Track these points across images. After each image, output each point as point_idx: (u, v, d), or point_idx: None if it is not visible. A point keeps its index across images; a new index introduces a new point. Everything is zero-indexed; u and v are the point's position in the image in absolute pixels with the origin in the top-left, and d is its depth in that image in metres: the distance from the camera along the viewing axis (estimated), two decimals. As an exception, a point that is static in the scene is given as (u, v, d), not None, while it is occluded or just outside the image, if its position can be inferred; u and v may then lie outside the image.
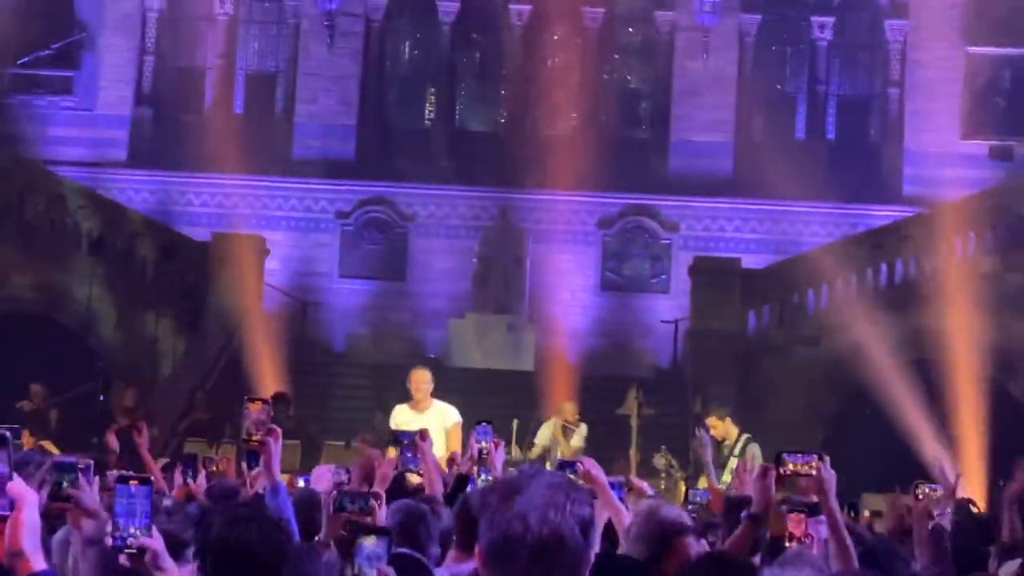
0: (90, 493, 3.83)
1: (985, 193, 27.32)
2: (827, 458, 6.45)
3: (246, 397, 7.29)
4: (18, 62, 31.08)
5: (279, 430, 7.21)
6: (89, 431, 20.94)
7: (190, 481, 9.93)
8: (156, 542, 3.62)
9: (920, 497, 8.32)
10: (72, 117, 30.91)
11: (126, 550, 3.60)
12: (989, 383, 23.91)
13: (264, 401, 7.23)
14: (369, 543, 4.33)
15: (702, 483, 15.79)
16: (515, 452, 19.59)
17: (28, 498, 2.86)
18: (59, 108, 31.02)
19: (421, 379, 16.13)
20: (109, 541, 3.64)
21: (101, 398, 23.35)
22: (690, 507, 9.17)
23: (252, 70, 31.88)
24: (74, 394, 22.66)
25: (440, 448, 14.40)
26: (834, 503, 6.39)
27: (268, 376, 25.72)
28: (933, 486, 8.59)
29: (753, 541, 6.62)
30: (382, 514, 6.90)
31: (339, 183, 30.45)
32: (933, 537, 7.97)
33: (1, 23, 31.06)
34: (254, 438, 7.03)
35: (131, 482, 3.64)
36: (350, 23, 31.13)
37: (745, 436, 18.78)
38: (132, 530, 3.59)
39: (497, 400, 22.71)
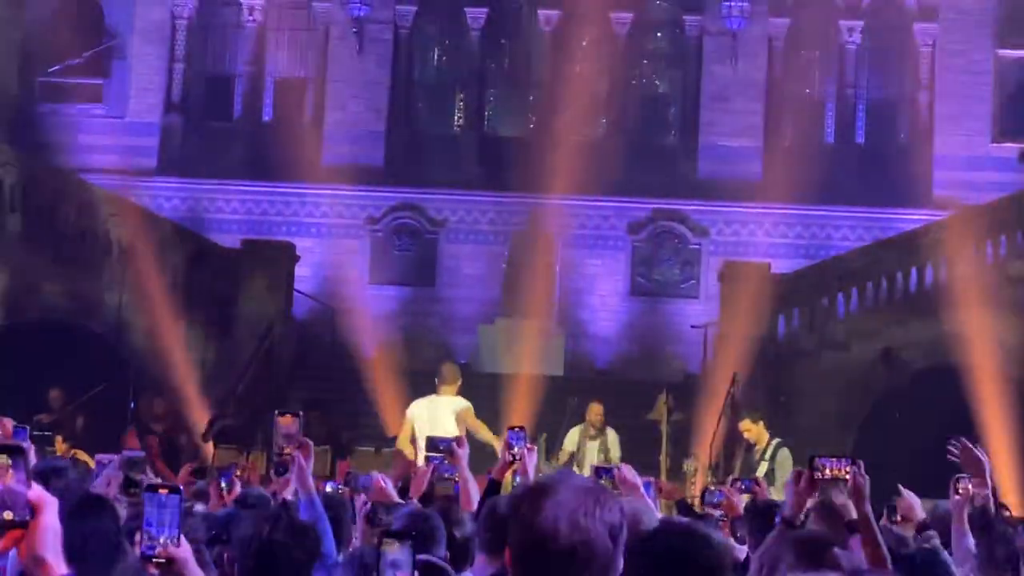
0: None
1: (1015, 196, 27.22)
2: (861, 463, 6.45)
3: (276, 411, 7.29)
4: (48, 71, 31.22)
5: (310, 444, 7.24)
6: (118, 437, 20.98)
7: (225, 494, 9.91)
8: (184, 552, 3.64)
9: (960, 492, 8.29)
10: (102, 125, 31.04)
11: (154, 559, 3.62)
12: (1020, 387, 23.80)
13: (295, 415, 7.23)
14: (392, 549, 4.34)
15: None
16: (542, 467, 19.60)
17: (48, 504, 2.90)
18: (89, 116, 31.15)
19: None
20: (138, 550, 3.66)
21: (132, 405, 23.41)
22: (707, 508, 9.18)
23: (281, 77, 31.97)
24: (90, 396, 22.70)
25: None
26: (868, 508, 6.39)
27: (298, 383, 25.81)
28: (972, 479, 8.54)
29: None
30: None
31: (368, 189, 30.50)
32: (980, 517, 7.91)
33: (31, 32, 31.24)
34: (286, 451, 7.06)
35: (160, 490, 3.65)
36: (379, 30, 31.19)
37: (776, 441, 18.75)
38: (162, 539, 3.61)
39: (526, 406, 22.71)
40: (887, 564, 6.30)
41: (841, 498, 6.60)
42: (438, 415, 17.47)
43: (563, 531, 3.36)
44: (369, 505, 7.06)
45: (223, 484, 10.22)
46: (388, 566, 4.33)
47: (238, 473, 11.20)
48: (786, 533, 6.28)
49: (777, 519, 6.79)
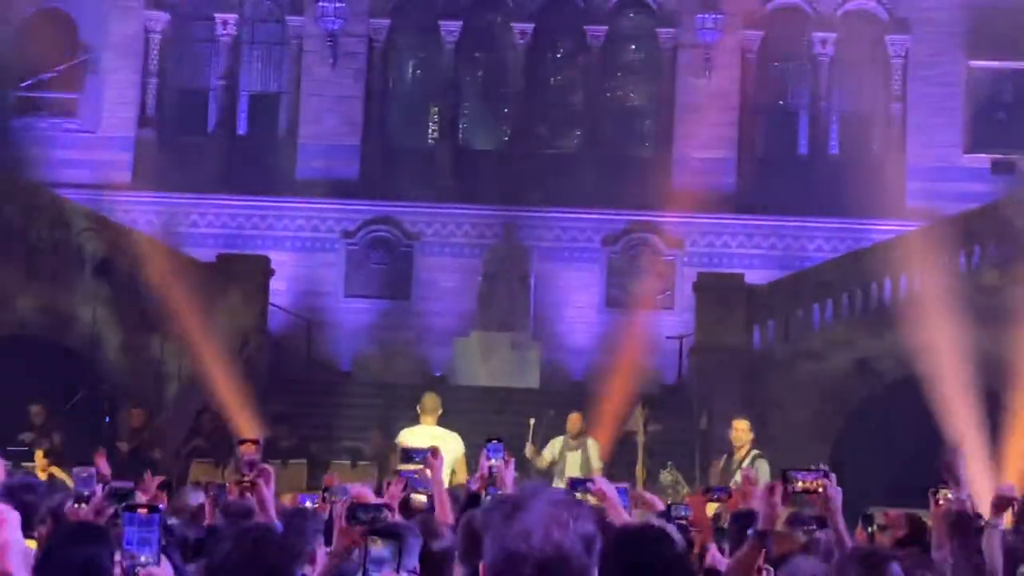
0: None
1: (987, 207, 27.34)
2: (833, 476, 6.47)
3: (237, 439, 7.38)
4: (22, 85, 31.15)
5: (271, 472, 7.29)
6: (94, 453, 20.90)
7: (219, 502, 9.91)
8: (165, 571, 3.64)
9: (940, 502, 8.29)
10: (76, 139, 30.98)
11: None
12: (991, 396, 23.88)
13: (255, 441, 7.34)
14: (376, 546, 4.35)
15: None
16: (530, 450, 19.58)
17: (10, 520, 2.90)
18: (63, 130, 31.08)
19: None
20: (118, 569, 3.65)
21: (107, 419, 23.36)
22: (676, 522, 9.15)
23: (255, 91, 31.96)
24: (70, 405, 22.65)
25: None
26: (840, 520, 6.41)
27: (274, 396, 25.75)
28: (952, 490, 8.53)
29: (759, 557, 6.63)
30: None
31: (344, 203, 30.50)
32: (957, 524, 7.91)
33: (4, 47, 31.16)
34: (246, 479, 7.12)
35: (140, 510, 3.64)
36: (353, 43, 31.20)
37: (754, 452, 18.77)
38: (142, 559, 3.60)
39: (503, 418, 22.73)
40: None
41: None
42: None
43: (537, 544, 3.37)
44: (348, 504, 7.09)
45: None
46: (372, 563, 4.34)
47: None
48: (852, 550, 6.33)
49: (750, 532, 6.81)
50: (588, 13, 31.30)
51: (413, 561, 7.04)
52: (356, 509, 6.80)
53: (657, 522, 6.35)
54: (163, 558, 3.65)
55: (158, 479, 12.00)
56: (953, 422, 22.78)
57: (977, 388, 23.55)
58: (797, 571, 6.46)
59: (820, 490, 6.39)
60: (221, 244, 29.47)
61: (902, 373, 25.35)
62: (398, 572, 4.31)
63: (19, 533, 2.88)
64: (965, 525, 7.86)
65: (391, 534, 4.35)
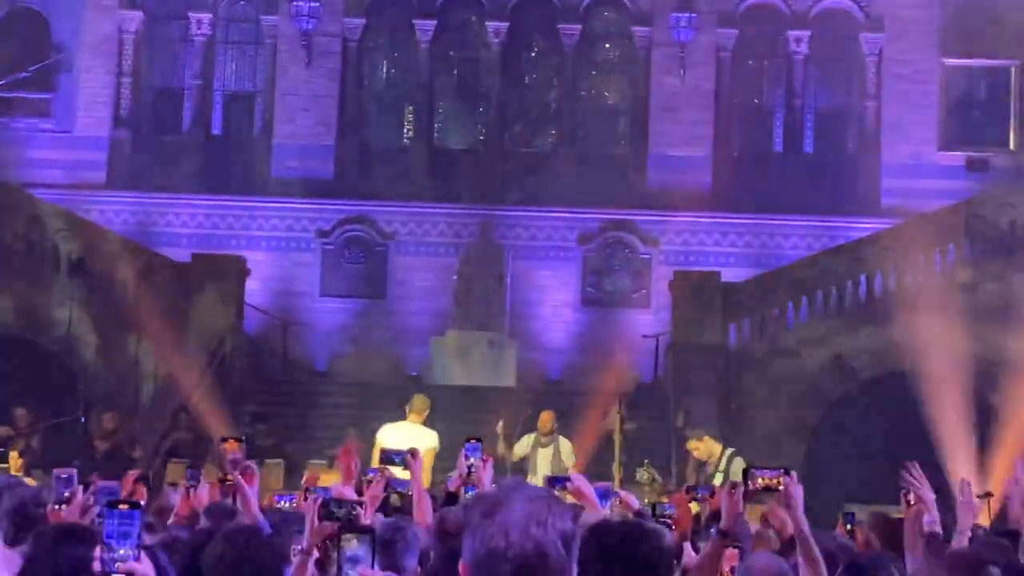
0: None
1: (962, 204, 27.42)
2: (794, 473, 6.47)
3: (220, 437, 7.34)
4: (-5, 85, 31.06)
5: (255, 470, 7.28)
6: (70, 453, 20.86)
7: (192, 492, 9.84)
8: (145, 567, 3.62)
9: (911, 503, 8.30)
10: (50, 139, 30.88)
11: (114, 575, 3.60)
12: (969, 394, 23.96)
13: (239, 439, 7.32)
14: (351, 545, 4.32)
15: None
16: (501, 448, 19.67)
17: None
18: (37, 130, 30.97)
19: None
20: (97, 565, 3.64)
21: (82, 419, 23.30)
22: (661, 520, 9.18)
23: (230, 91, 31.90)
24: (57, 421, 22.59)
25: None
26: (802, 517, 6.41)
27: (250, 396, 25.71)
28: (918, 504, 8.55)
29: (722, 555, 6.64)
30: (368, 522, 6.92)
31: (319, 202, 30.46)
32: (931, 545, 7.94)
33: (-22, 47, 31.05)
34: (229, 478, 7.11)
35: (120, 506, 3.63)
36: (327, 43, 31.16)
37: (730, 451, 18.82)
38: (121, 552, 3.59)
39: (479, 417, 22.71)
40: (821, 571, 6.31)
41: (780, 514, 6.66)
42: (407, 443, 17.35)
43: (516, 541, 3.37)
44: (320, 499, 7.06)
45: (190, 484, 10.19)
46: (347, 561, 4.32)
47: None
48: (953, 556, 6.33)
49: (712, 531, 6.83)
50: (562, 12, 31.31)
51: (412, 561, 7.03)
52: (330, 504, 6.77)
53: (635, 520, 6.35)
54: (143, 555, 3.63)
55: (135, 472, 11.98)
56: (930, 419, 22.86)
57: (954, 384, 23.62)
58: (753, 566, 6.47)
59: (780, 487, 6.39)
60: (196, 244, 29.41)
61: (878, 370, 25.44)
62: (372, 568, 4.28)
63: None
64: (938, 547, 7.90)
65: (365, 531, 4.32)
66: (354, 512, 6.78)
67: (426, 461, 16.79)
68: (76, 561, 5.33)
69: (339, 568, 4.25)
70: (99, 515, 6.43)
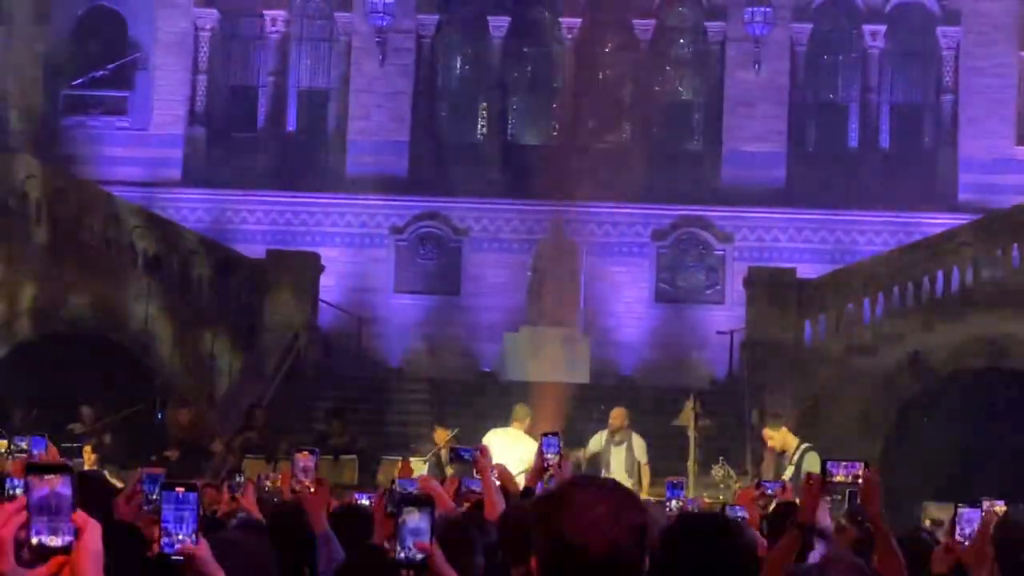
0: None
1: (1041, 199, 27.16)
2: (873, 468, 6.40)
3: (294, 448, 7.43)
4: (72, 84, 31.33)
5: (327, 482, 7.36)
6: (146, 450, 21.01)
7: (238, 495, 9.93)
8: (202, 549, 3.62)
9: (984, 513, 8.14)
10: (126, 137, 31.14)
11: (172, 557, 3.60)
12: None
13: (311, 451, 7.41)
14: (412, 517, 4.30)
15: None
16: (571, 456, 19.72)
17: (91, 528, 2.86)
18: (113, 128, 31.24)
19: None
20: (156, 548, 3.64)
21: (159, 416, 23.45)
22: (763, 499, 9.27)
23: (304, 87, 32.04)
24: (122, 416, 22.70)
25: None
26: (877, 513, 6.34)
27: (324, 392, 25.81)
28: (998, 501, 8.42)
29: (800, 549, 6.58)
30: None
31: (393, 199, 30.54)
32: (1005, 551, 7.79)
33: (55, 46, 31.35)
34: (303, 486, 7.20)
35: (177, 488, 3.64)
36: (401, 39, 31.23)
37: (804, 446, 18.70)
38: (180, 536, 3.59)
39: (553, 414, 22.68)
40: (901, 566, 6.24)
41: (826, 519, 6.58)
42: (511, 449, 17.43)
43: (589, 537, 3.36)
44: (387, 495, 7.07)
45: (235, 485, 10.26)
46: (408, 533, 4.30)
47: (268, 485, 11.19)
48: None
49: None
50: (636, 7, 31.23)
51: (479, 558, 7.02)
52: (393, 491, 6.76)
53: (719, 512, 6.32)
54: (200, 536, 3.63)
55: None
56: (1010, 416, 22.68)
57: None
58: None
59: (858, 482, 6.32)
60: (271, 240, 29.54)
61: (955, 367, 25.23)
62: (431, 541, 4.26)
63: (99, 543, 2.84)
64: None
65: (425, 503, 4.31)
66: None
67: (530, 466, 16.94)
68: (116, 559, 5.32)
69: (401, 541, 4.23)
70: (147, 501, 6.46)
